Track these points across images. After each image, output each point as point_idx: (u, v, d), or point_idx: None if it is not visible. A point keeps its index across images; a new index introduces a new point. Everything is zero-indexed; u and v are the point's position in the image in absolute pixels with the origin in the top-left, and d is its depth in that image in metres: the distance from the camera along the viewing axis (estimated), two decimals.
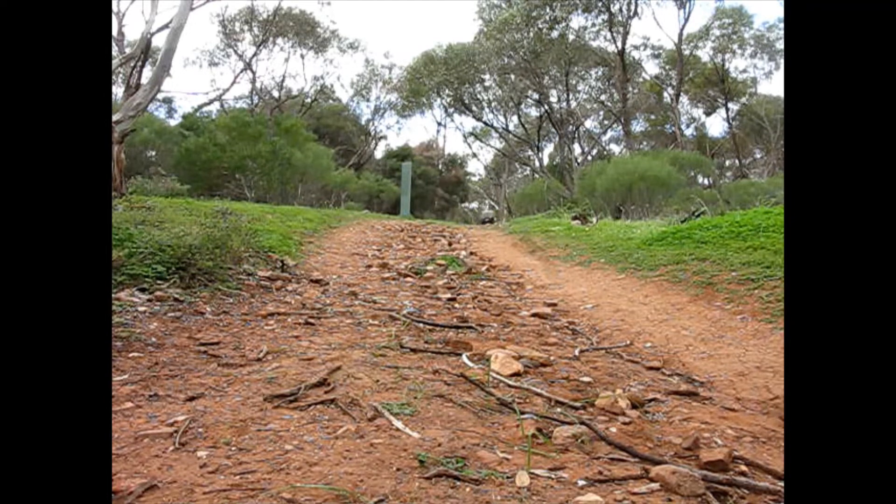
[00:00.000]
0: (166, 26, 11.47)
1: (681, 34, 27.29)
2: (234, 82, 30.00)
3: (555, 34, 25.46)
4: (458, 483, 2.30)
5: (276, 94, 31.72)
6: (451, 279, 8.10)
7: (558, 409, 3.43)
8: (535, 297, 7.33)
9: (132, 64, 11.75)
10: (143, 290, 5.01)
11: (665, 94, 31.07)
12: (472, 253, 11.20)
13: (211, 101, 28.63)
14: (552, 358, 4.48)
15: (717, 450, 2.72)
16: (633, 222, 13.16)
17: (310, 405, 3.05)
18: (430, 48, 31.02)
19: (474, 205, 41.22)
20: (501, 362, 4.05)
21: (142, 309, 4.59)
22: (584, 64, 28.67)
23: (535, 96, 28.06)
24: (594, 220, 14.42)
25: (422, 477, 2.33)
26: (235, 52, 29.85)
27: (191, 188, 15.53)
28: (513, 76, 27.95)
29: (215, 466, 2.29)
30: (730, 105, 31.00)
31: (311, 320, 5.17)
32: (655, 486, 2.37)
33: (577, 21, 26.18)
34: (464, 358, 4.30)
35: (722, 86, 29.91)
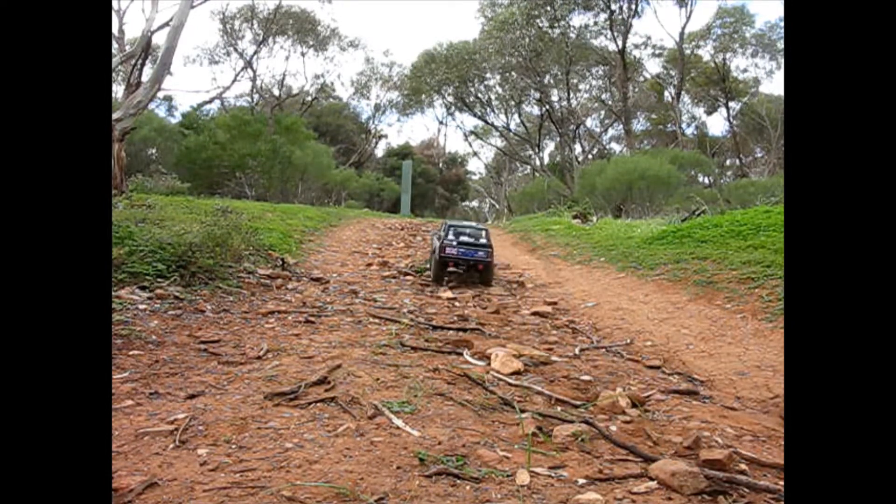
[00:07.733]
0: (167, 24, 11.44)
1: (682, 33, 27.26)
2: (234, 80, 29.94)
3: (555, 33, 25.44)
4: (459, 481, 2.31)
5: (276, 92, 31.67)
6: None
7: (559, 408, 3.44)
8: (535, 296, 7.33)
9: (133, 62, 11.73)
10: (143, 288, 5.01)
11: (666, 93, 31.01)
12: None
13: (212, 100, 28.58)
14: (552, 356, 4.49)
15: (717, 450, 2.72)
16: (633, 221, 13.16)
17: (310, 403, 3.06)
18: (430, 46, 31.00)
19: (475, 203, 41.21)
20: (502, 360, 4.05)
21: (142, 307, 4.60)
22: (584, 63, 28.63)
23: (536, 95, 28.04)
24: (594, 218, 14.43)
25: (422, 475, 2.33)
26: (236, 50, 29.82)
27: (191, 186, 15.51)
28: (514, 74, 27.93)
29: (215, 464, 2.30)
30: (731, 104, 30.93)
31: (312, 318, 5.17)
32: (655, 484, 2.38)
33: (577, 20, 26.20)
34: (464, 356, 4.31)
35: (723, 85, 29.82)
